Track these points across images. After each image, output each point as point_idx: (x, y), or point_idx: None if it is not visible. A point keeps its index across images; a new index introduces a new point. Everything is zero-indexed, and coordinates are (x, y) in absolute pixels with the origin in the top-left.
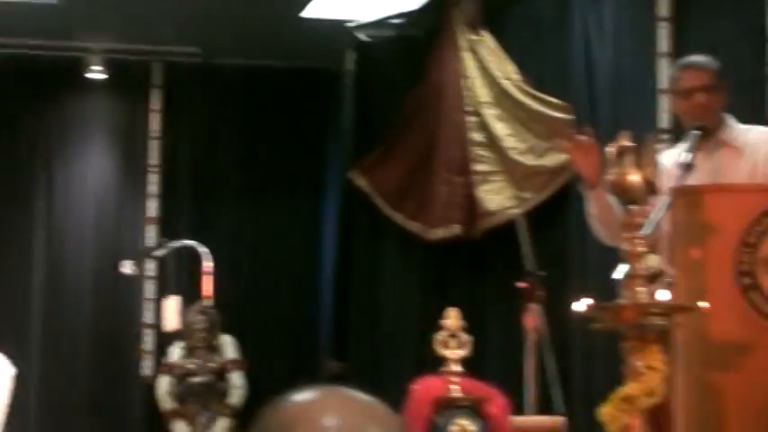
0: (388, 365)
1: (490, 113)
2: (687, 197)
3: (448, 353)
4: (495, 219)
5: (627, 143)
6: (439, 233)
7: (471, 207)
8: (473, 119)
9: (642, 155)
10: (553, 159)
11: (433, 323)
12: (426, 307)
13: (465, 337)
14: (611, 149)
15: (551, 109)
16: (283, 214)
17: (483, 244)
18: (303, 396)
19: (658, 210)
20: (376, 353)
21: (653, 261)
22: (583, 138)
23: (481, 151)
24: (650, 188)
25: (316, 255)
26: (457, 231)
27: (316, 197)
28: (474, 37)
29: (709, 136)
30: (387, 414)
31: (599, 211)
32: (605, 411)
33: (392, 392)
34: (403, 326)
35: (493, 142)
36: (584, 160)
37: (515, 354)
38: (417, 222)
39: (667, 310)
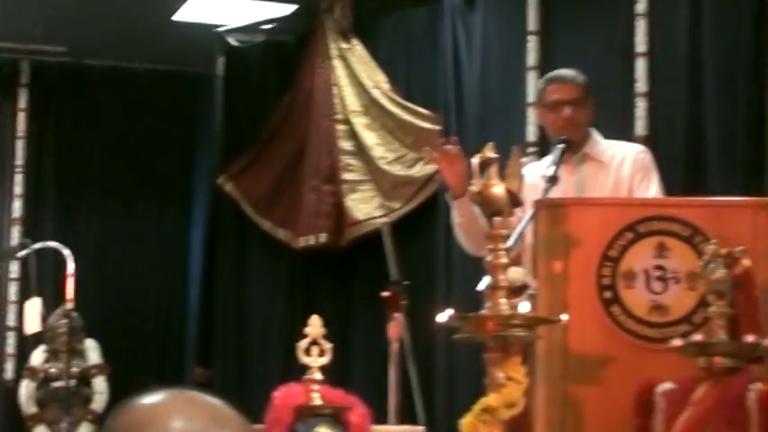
0: (253, 373)
1: (359, 122)
2: (550, 210)
3: (310, 360)
4: (363, 228)
5: (492, 154)
6: (306, 241)
7: (339, 216)
8: (342, 127)
9: (507, 166)
10: (421, 170)
11: (298, 331)
12: (292, 315)
13: (326, 344)
14: (475, 160)
15: (420, 119)
16: (151, 218)
17: (351, 253)
18: (151, 398)
19: (522, 222)
20: (242, 360)
21: (517, 274)
22: (449, 147)
23: (350, 160)
24: (514, 200)
25: (183, 260)
26: (324, 240)
27: (184, 202)
28: (344, 45)
29: (574, 150)
30: (234, 417)
31: (464, 220)
32: (466, 422)
33: (258, 400)
34: (269, 333)
35: (362, 151)
36: (450, 170)
37: (380, 363)
38: (285, 230)
39: (529, 322)
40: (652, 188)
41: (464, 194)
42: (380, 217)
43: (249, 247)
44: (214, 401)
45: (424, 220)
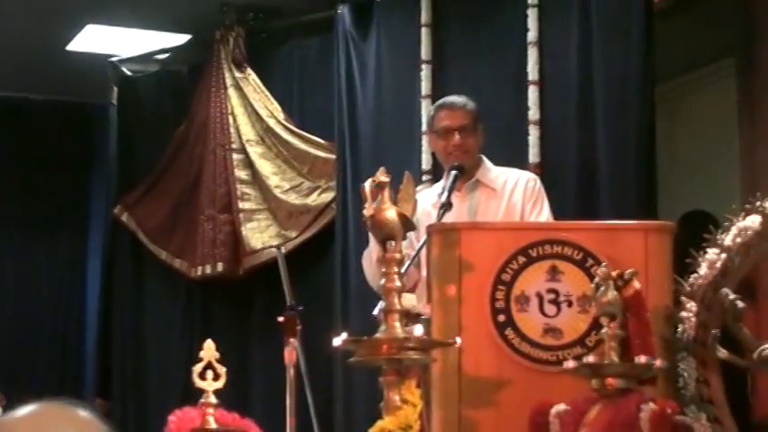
0: (152, 403)
1: (255, 151)
2: (443, 234)
3: (204, 384)
4: (260, 257)
5: (384, 178)
6: (203, 270)
7: (236, 245)
8: (238, 156)
9: (400, 191)
10: (317, 198)
11: (196, 361)
12: (190, 344)
13: (221, 368)
14: (367, 184)
15: (315, 148)
16: (48, 249)
17: (248, 282)
18: (22, 412)
19: (416, 248)
20: (141, 390)
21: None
22: None
23: (246, 189)
24: (407, 224)
25: (80, 290)
26: (221, 269)
27: (80, 232)
28: (239, 74)
29: (466, 177)
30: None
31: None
32: None
33: (157, 430)
34: (167, 363)
35: (257, 180)
36: None
37: (278, 389)
38: (181, 259)
39: (423, 345)
40: (543, 214)
41: None
42: (277, 246)
43: (146, 276)
44: (85, 415)
45: (320, 249)
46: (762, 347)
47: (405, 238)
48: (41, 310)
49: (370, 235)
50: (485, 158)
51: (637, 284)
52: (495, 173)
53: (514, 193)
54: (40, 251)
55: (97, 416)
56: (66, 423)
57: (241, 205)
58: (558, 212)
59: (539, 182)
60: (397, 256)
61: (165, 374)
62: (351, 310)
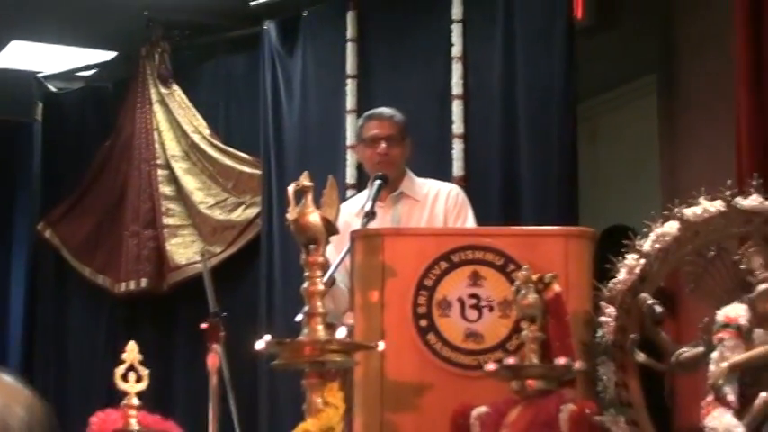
0: (74, 419)
1: (180, 167)
2: (367, 240)
3: (127, 386)
4: (184, 272)
5: (307, 182)
6: (127, 287)
7: (160, 261)
8: (163, 172)
9: (323, 195)
10: (242, 214)
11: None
12: (113, 361)
13: (143, 370)
14: (291, 188)
15: (240, 163)
16: None
17: (172, 297)
18: None
19: (339, 257)
20: (63, 408)
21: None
22: None
23: (170, 205)
24: (330, 228)
25: (3, 307)
26: (145, 285)
27: (3, 249)
28: (164, 90)
29: (390, 188)
30: (33, 398)
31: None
32: None
33: None
34: (90, 380)
35: (182, 196)
36: None
37: (201, 396)
38: (105, 276)
39: (345, 347)
40: (468, 223)
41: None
42: (201, 262)
43: (70, 293)
44: (12, 381)
45: (245, 264)
46: (679, 351)
47: (328, 242)
48: None
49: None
50: (409, 171)
51: (557, 287)
52: (418, 185)
53: (437, 203)
54: None
55: (21, 381)
56: None
57: (165, 221)
58: (481, 225)
59: (462, 193)
60: (320, 259)
61: (87, 391)
62: (275, 318)
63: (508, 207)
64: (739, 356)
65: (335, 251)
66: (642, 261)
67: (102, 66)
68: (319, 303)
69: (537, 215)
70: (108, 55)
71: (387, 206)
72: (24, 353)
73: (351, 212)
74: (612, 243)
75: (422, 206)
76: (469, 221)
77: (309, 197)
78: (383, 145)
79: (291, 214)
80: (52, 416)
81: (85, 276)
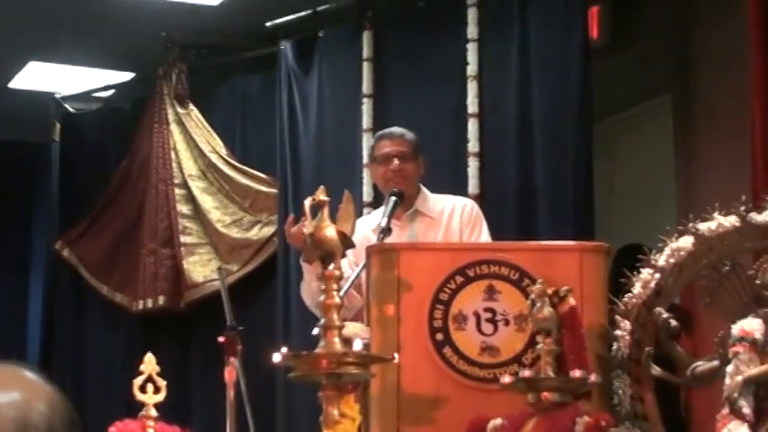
0: None
1: (197, 186)
2: (382, 255)
3: (145, 397)
4: (201, 290)
5: (324, 197)
6: (144, 304)
7: (177, 279)
8: (180, 191)
9: (339, 209)
10: (259, 233)
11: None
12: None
13: (161, 381)
14: (307, 202)
15: (257, 182)
16: None
17: (190, 314)
18: None
19: (355, 271)
20: (82, 421)
21: (355, 328)
22: (291, 222)
23: (188, 223)
24: (346, 242)
25: (21, 326)
26: (162, 303)
27: (22, 269)
28: (181, 110)
29: (405, 206)
30: (54, 394)
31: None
32: None
33: None
34: (108, 398)
35: (199, 215)
36: (299, 238)
37: (219, 411)
38: (123, 294)
39: (362, 360)
40: (482, 237)
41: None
42: (218, 280)
43: (87, 311)
44: (34, 377)
45: (261, 282)
46: (695, 365)
47: (344, 256)
48: None
49: (304, 267)
50: (424, 188)
51: (572, 301)
52: (433, 201)
53: (452, 219)
54: None
55: (43, 377)
56: (13, 381)
57: (183, 239)
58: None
59: (476, 207)
60: (337, 273)
61: (105, 404)
62: (292, 334)
63: (524, 225)
64: (754, 370)
65: (352, 267)
66: (657, 275)
67: (119, 86)
68: (336, 316)
69: (553, 234)
70: (125, 76)
71: (403, 224)
72: (42, 369)
73: (368, 228)
74: (628, 261)
75: (437, 223)
76: (484, 235)
77: (326, 211)
78: (396, 161)
79: (308, 228)
80: (73, 412)
81: (103, 294)
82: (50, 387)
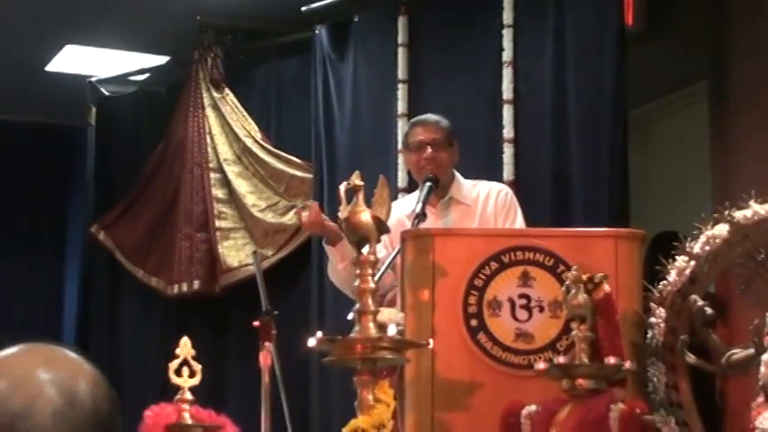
0: (128, 423)
1: (232, 170)
2: (417, 240)
3: (180, 381)
4: (236, 275)
5: (358, 182)
6: (179, 288)
7: (212, 263)
8: (215, 175)
9: (374, 194)
10: (293, 217)
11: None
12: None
13: (196, 365)
14: (342, 188)
15: (292, 167)
16: (25, 270)
17: (225, 298)
18: (11, 350)
19: (390, 256)
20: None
21: (390, 314)
22: (305, 211)
23: (223, 208)
24: (381, 227)
25: (58, 310)
26: (197, 287)
27: (58, 252)
28: (217, 94)
29: (440, 194)
30: (94, 372)
31: (347, 263)
32: None
33: None
34: (144, 382)
35: (234, 199)
36: (313, 226)
37: (254, 395)
38: (158, 278)
39: (396, 345)
40: (516, 223)
41: (339, 240)
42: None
43: (123, 295)
44: (73, 355)
45: (296, 268)
46: (730, 353)
47: (379, 240)
48: (19, 330)
49: (327, 249)
50: (458, 175)
51: (607, 288)
52: (467, 188)
53: (487, 206)
54: (18, 271)
55: (84, 357)
56: (58, 359)
57: (218, 224)
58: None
59: (510, 192)
60: (372, 258)
61: (140, 394)
62: (327, 320)
63: (558, 212)
64: None
65: (388, 249)
66: (692, 263)
67: (155, 70)
68: (370, 301)
69: (587, 220)
70: (161, 59)
71: (438, 213)
72: (78, 353)
73: (402, 212)
74: (663, 249)
75: (473, 210)
76: (518, 222)
77: (360, 196)
78: (429, 149)
79: (343, 213)
80: (113, 392)
81: (138, 278)
82: (91, 366)
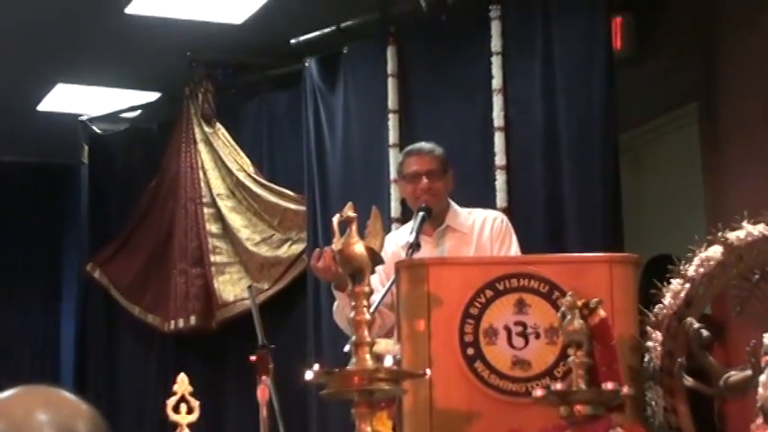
0: None
1: (225, 205)
2: (412, 270)
3: (179, 418)
4: (233, 309)
5: (351, 213)
6: (176, 324)
7: (208, 298)
8: (209, 210)
9: (367, 225)
10: (288, 250)
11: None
12: (164, 399)
13: (194, 401)
14: (336, 220)
15: (285, 200)
16: (21, 309)
17: (222, 333)
18: (8, 393)
19: (385, 288)
20: None
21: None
22: (316, 257)
23: (217, 242)
24: (375, 258)
25: (54, 349)
26: (194, 323)
27: (53, 291)
28: (208, 129)
29: (436, 222)
30: (93, 413)
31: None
32: None
33: None
34: (141, 418)
35: (229, 233)
36: (327, 272)
37: (253, 426)
38: (155, 315)
39: (394, 376)
40: (512, 250)
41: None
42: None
43: (120, 332)
44: (71, 396)
45: (292, 300)
46: (727, 375)
47: (373, 272)
48: (16, 370)
49: (336, 294)
50: (453, 203)
51: (602, 313)
52: (463, 216)
53: (483, 234)
54: (13, 311)
55: (81, 398)
56: (55, 401)
57: (213, 258)
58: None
59: (506, 220)
60: (366, 289)
61: (139, 426)
62: (324, 351)
63: (552, 238)
64: None
65: (383, 283)
66: (687, 286)
67: (146, 107)
68: (366, 333)
69: (581, 245)
70: (152, 96)
71: (434, 242)
72: (76, 392)
73: (397, 243)
74: (657, 272)
75: (468, 238)
76: (513, 249)
77: (354, 228)
78: (424, 180)
79: (336, 245)
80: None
81: (135, 315)
82: (89, 407)
